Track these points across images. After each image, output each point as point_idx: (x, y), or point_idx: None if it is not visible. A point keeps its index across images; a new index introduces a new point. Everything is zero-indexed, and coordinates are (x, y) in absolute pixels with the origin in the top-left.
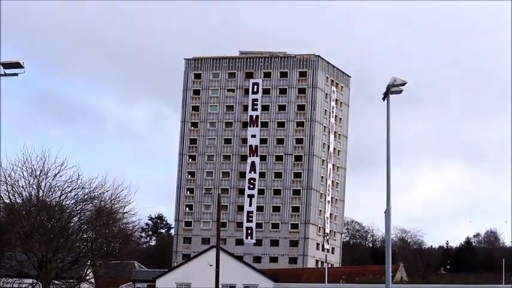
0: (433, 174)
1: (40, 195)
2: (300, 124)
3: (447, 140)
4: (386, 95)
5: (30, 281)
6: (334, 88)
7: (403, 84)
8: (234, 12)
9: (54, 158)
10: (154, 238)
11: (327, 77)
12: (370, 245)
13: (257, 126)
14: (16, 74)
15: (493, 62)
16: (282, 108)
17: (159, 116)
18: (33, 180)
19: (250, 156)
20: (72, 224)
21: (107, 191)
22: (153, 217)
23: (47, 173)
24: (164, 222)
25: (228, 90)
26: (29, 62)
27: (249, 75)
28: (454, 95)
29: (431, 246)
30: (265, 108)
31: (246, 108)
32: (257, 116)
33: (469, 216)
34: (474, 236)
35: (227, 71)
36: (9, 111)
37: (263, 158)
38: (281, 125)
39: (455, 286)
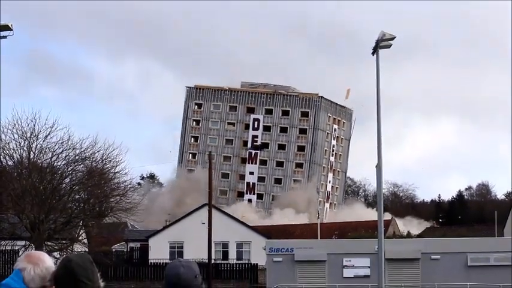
0: (425, 129)
1: (31, 157)
2: (299, 165)
3: (440, 94)
4: (375, 50)
5: (23, 242)
6: (335, 126)
7: (392, 39)
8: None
9: (45, 120)
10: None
11: (329, 116)
12: (363, 199)
13: (256, 163)
14: (5, 37)
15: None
16: (281, 147)
17: (149, 75)
18: (24, 142)
19: (247, 193)
20: (63, 185)
21: (98, 151)
22: (145, 176)
23: (38, 135)
24: (156, 181)
25: (229, 123)
26: (17, 22)
27: (250, 110)
28: (447, 48)
29: (423, 200)
30: (264, 145)
31: (245, 143)
32: (256, 153)
33: (461, 170)
34: (466, 189)
35: (228, 103)
36: None
37: (260, 197)
38: (280, 164)
39: (448, 239)
